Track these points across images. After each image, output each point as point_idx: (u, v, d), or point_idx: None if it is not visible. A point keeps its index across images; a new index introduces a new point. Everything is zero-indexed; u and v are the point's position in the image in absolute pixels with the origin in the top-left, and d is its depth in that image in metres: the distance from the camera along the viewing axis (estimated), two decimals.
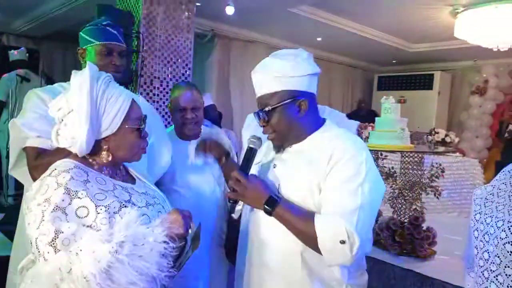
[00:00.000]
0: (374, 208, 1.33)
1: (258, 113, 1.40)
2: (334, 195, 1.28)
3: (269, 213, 1.32)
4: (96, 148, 1.21)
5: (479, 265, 1.29)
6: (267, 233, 1.40)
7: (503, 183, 1.28)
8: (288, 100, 1.35)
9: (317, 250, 1.27)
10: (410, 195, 3.38)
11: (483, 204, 1.31)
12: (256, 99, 1.43)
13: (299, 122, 1.38)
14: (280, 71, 1.35)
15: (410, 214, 3.34)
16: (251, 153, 1.43)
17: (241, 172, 1.38)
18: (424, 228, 3.30)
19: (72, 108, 1.16)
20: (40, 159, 1.55)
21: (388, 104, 4.45)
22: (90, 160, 1.22)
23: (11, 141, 1.70)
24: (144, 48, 3.81)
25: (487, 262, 1.24)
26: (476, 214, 1.34)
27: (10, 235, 3.24)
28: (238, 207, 1.52)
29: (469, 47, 5.93)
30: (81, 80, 1.18)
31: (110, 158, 1.22)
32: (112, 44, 1.80)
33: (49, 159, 1.36)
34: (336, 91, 8.79)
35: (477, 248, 1.31)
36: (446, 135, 5.57)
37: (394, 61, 8.78)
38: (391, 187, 3.44)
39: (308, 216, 1.28)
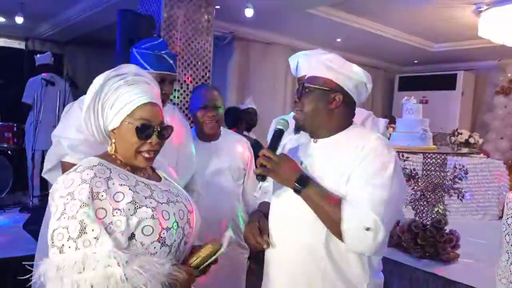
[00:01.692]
0: (400, 205, 1.37)
1: (298, 89, 1.47)
2: (363, 185, 1.28)
3: (298, 191, 1.31)
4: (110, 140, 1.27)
5: (511, 271, 1.26)
6: (291, 223, 1.39)
7: None
8: (326, 89, 1.38)
9: (339, 235, 1.27)
10: (433, 197, 3.32)
11: None
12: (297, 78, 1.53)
13: (326, 114, 1.40)
14: (333, 62, 1.41)
15: (433, 216, 3.28)
16: (279, 134, 1.43)
17: (271, 150, 1.38)
18: (447, 231, 3.24)
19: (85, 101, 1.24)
20: None
21: (409, 105, 4.39)
22: (113, 157, 1.25)
23: (51, 151, 1.75)
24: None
25: None
26: (508, 218, 1.31)
27: (36, 235, 3.33)
28: (266, 183, 1.51)
29: (493, 46, 5.80)
30: (101, 76, 1.24)
31: (113, 150, 1.25)
32: (166, 74, 1.80)
33: None
34: None
35: (508, 253, 1.28)
36: (470, 136, 5.47)
37: (415, 61, 8.66)
38: (412, 189, 3.39)
39: (336, 199, 1.29)
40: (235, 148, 2.31)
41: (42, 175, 1.82)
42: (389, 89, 9.34)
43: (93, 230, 1.06)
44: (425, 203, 3.32)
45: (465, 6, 4.99)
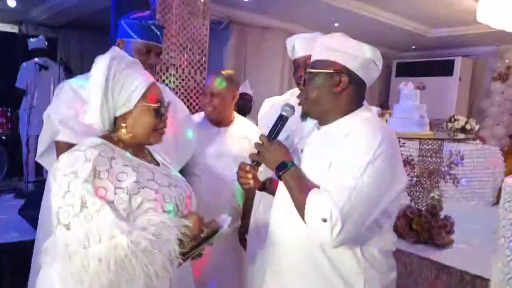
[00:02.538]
0: (373, 197, 1.19)
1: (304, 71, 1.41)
2: (334, 170, 1.21)
3: (278, 176, 1.31)
4: (116, 126, 1.27)
5: (506, 255, 1.26)
6: (288, 217, 1.34)
7: None
8: (330, 71, 1.30)
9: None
10: (428, 183, 3.33)
11: None
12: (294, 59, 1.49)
13: (332, 98, 1.32)
14: (335, 41, 1.34)
15: (428, 202, 3.29)
16: (281, 121, 1.39)
17: (266, 136, 1.38)
18: (442, 216, 3.26)
19: (91, 85, 1.23)
20: None
21: (406, 91, 4.37)
22: (116, 139, 1.27)
23: (43, 132, 1.73)
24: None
25: None
26: (505, 203, 1.31)
27: (31, 220, 3.32)
28: (261, 168, 1.51)
29: (491, 31, 5.76)
30: (101, 60, 1.24)
31: (129, 135, 1.26)
32: (153, 44, 1.83)
33: None
34: None
35: (504, 237, 1.29)
36: (466, 122, 5.46)
37: (413, 47, 8.60)
38: (408, 174, 3.40)
39: (308, 188, 1.23)
40: (245, 135, 2.30)
41: (36, 159, 1.81)
42: (386, 75, 9.30)
43: (93, 203, 1.08)
44: (420, 189, 3.33)
45: None
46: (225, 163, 2.21)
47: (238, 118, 2.40)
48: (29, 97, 5.12)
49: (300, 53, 1.96)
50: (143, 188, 1.18)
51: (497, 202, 5.20)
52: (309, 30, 7.12)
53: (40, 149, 1.76)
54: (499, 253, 1.36)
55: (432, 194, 3.27)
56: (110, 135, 1.28)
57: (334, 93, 1.31)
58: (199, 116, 2.39)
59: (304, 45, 1.93)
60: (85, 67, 7.55)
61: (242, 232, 2.30)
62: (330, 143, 1.28)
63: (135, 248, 1.05)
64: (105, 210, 1.08)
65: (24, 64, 5.27)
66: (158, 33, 1.85)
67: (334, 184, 1.18)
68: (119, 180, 1.15)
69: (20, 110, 5.33)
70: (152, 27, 1.82)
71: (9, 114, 5.55)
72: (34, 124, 5.03)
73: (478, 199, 5.09)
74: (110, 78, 1.20)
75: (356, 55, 1.31)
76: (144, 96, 1.24)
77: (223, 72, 2.29)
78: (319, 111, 1.36)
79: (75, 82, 1.77)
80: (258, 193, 2.22)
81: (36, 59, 5.20)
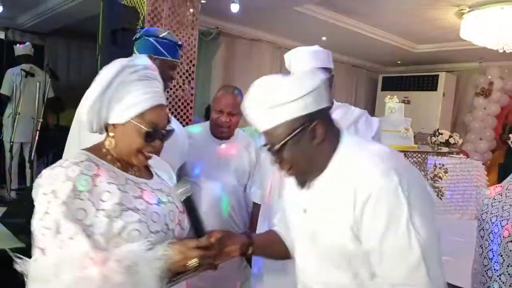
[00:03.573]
0: (435, 236, 1.03)
1: (268, 149, 1.15)
2: (383, 256, 1.01)
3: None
4: (106, 132, 1.21)
5: (483, 264, 1.28)
6: (314, 263, 1.19)
7: (510, 183, 1.27)
8: (298, 130, 1.08)
9: None
10: None
11: (490, 204, 1.30)
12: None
13: (318, 150, 1.12)
14: (276, 100, 1.08)
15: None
16: (190, 206, 1.20)
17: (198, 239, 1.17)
18: None
19: (94, 85, 1.18)
20: None
21: (392, 104, 4.44)
22: (104, 151, 1.20)
23: (73, 135, 1.78)
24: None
25: (491, 261, 1.23)
26: (482, 214, 1.33)
27: (13, 229, 3.25)
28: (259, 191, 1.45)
29: (474, 48, 5.91)
30: (116, 63, 1.18)
31: (113, 147, 1.19)
32: (177, 62, 1.98)
33: None
34: (340, 91, 8.77)
35: (482, 247, 1.31)
36: (450, 136, 5.56)
37: (398, 62, 8.76)
38: None
39: None
40: (244, 149, 2.32)
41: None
42: (372, 88, 9.43)
43: (68, 229, 1.02)
44: None
45: (448, 8, 5.06)
46: (226, 175, 2.24)
47: (237, 130, 2.40)
48: (14, 104, 5.05)
49: (297, 68, 1.95)
50: (127, 210, 1.10)
51: None
52: (297, 43, 7.19)
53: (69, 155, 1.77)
54: (476, 262, 1.39)
55: None
56: (100, 146, 1.21)
57: (317, 144, 1.11)
58: (201, 127, 2.37)
59: (302, 59, 1.93)
60: (71, 74, 7.51)
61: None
62: (338, 203, 1.07)
63: (105, 282, 0.99)
64: (79, 237, 1.02)
65: (9, 70, 5.21)
66: (179, 50, 2.00)
67: (396, 268, 1.01)
68: (102, 200, 1.08)
69: (4, 116, 5.25)
70: (177, 46, 1.97)
71: None
72: (19, 131, 4.96)
73: (462, 212, 5.16)
74: (113, 83, 1.14)
75: (302, 95, 1.07)
76: (141, 115, 1.15)
77: (235, 91, 2.25)
78: (315, 169, 1.14)
79: None
80: (262, 209, 2.23)
81: (22, 65, 5.15)
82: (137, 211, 1.12)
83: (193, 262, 1.12)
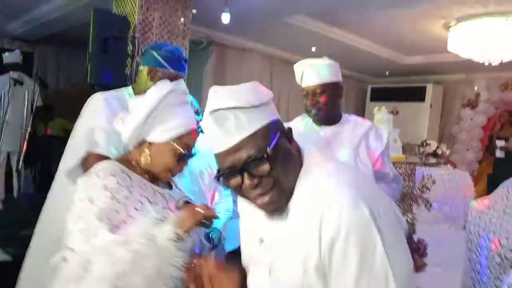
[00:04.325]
0: (409, 266, 0.97)
1: (239, 172, 0.94)
2: None
3: None
4: (140, 147, 1.30)
5: (471, 277, 1.29)
6: None
7: (499, 197, 1.29)
8: (279, 132, 0.96)
9: None
10: (401, 206, 3.39)
11: (478, 217, 1.32)
12: (218, 157, 0.97)
13: (294, 162, 0.99)
14: (252, 100, 0.95)
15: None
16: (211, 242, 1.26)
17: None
18: (415, 239, 3.31)
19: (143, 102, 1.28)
20: None
21: (380, 115, 4.49)
22: (133, 163, 1.31)
23: (79, 145, 1.73)
24: (139, 53, 3.80)
25: (479, 274, 1.24)
26: (470, 226, 1.35)
27: (0, 241, 3.19)
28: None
29: (461, 60, 6.00)
30: (163, 87, 1.29)
31: (147, 163, 1.29)
32: (181, 74, 1.97)
33: None
34: None
35: (470, 260, 1.32)
36: (438, 147, 5.62)
37: (387, 73, 8.87)
38: None
39: None
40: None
41: (65, 176, 1.75)
42: (361, 99, 9.52)
43: (95, 227, 1.12)
44: None
45: (435, 20, 5.15)
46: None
47: None
48: (1, 112, 4.99)
49: (309, 82, 1.96)
50: (158, 221, 1.20)
51: None
52: (288, 54, 7.28)
53: (71, 162, 1.74)
54: (465, 274, 1.40)
55: (405, 218, 3.32)
56: (128, 157, 1.31)
57: (293, 154, 1.00)
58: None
59: (319, 73, 1.94)
60: (61, 82, 7.44)
61: None
62: (299, 234, 0.93)
63: (134, 259, 1.08)
64: (103, 231, 1.12)
65: None
66: (185, 64, 2.02)
67: None
68: (135, 209, 1.19)
69: None
70: (182, 59, 1.99)
71: None
72: (6, 140, 4.89)
73: (451, 223, 5.19)
74: (159, 106, 1.25)
75: (266, 100, 0.98)
76: (179, 138, 1.27)
77: None
78: (290, 189, 0.98)
79: (109, 97, 1.82)
80: None
81: (10, 73, 5.10)
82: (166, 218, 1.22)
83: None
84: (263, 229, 1.03)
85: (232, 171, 0.94)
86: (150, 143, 1.28)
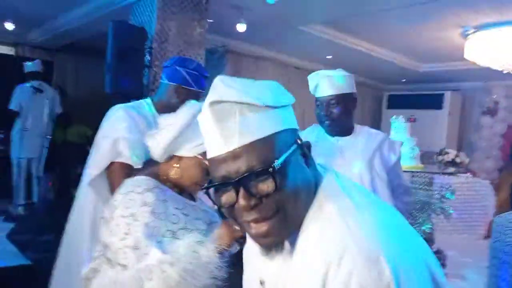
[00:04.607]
0: None
1: (234, 187, 0.72)
2: None
3: None
4: (168, 161, 1.36)
5: None
6: None
7: None
8: (294, 146, 0.75)
9: None
10: (420, 215, 3.34)
11: (503, 232, 1.29)
12: (212, 164, 0.75)
13: (307, 184, 0.76)
14: (269, 99, 0.74)
15: (420, 235, 3.30)
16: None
17: None
18: (434, 249, 3.26)
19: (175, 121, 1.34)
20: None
21: (397, 124, 4.45)
22: (163, 178, 1.36)
23: (102, 155, 1.76)
24: (156, 63, 3.85)
25: None
26: (495, 242, 1.32)
27: (20, 245, 3.25)
28: None
29: (479, 68, 5.93)
30: (196, 105, 1.36)
31: (177, 177, 1.35)
32: (202, 92, 2.01)
33: None
34: None
35: (494, 277, 1.29)
36: (456, 156, 5.54)
37: (403, 80, 8.79)
38: None
39: None
40: None
41: (87, 184, 1.79)
42: (377, 107, 9.45)
43: (146, 246, 1.18)
44: (412, 221, 3.34)
45: (452, 29, 5.10)
46: None
47: None
48: (22, 120, 5.11)
49: (324, 92, 1.96)
50: (190, 232, 1.26)
51: (488, 236, 5.21)
52: (303, 62, 7.29)
53: (95, 172, 1.78)
54: None
55: (424, 227, 3.28)
56: (156, 172, 1.36)
57: (307, 175, 0.78)
58: None
59: (328, 84, 1.95)
60: (80, 91, 7.58)
61: None
62: (304, 277, 0.73)
63: (183, 274, 1.15)
64: (154, 250, 1.18)
65: (18, 86, 5.28)
66: (205, 80, 2.07)
67: None
68: (172, 223, 1.25)
69: (13, 132, 5.29)
70: (204, 77, 2.03)
71: (1, 135, 5.52)
72: (26, 147, 5.00)
73: (470, 232, 5.10)
74: (192, 123, 1.30)
75: (287, 102, 0.79)
76: (206, 154, 1.32)
77: None
78: (297, 221, 0.76)
79: (129, 109, 1.86)
80: None
81: (31, 82, 5.22)
82: (200, 229, 1.30)
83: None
84: (264, 268, 0.84)
85: (226, 184, 0.72)
86: (179, 158, 1.35)
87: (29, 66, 5.37)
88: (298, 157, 0.76)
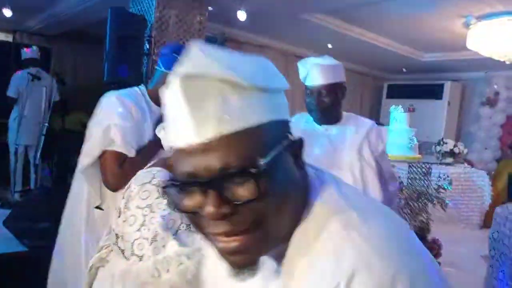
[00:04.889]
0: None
1: (202, 188, 0.56)
2: None
3: None
4: None
5: (492, 285, 1.28)
6: None
7: None
8: (285, 143, 0.59)
9: None
10: (416, 205, 3.36)
11: (503, 224, 1.29)
12: (183, 154, 0.57)
13: (296, 191, 0.62)
14: (249, 76, 0.57)
15: (416, 224, 3.32)
16: None
17: None
18: (430, 239, 3.28)
19: None
20: (124, 168, 1.63)
21: (397, 114, 4.44)
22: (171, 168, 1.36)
23: (94, 143, 1.72)
24: (155, 51, 3.83)
25: (502, 282, 1.23)
26: (494, 233, 1.32)
27: (16, 232, 3.27)
28: None
29: (480, 58, 5.90)
30: None
31: None
32: None
33: (133, 170, 1.39)
34: (346, 98, 8.76)
35: (492, 267, 1.30)
36: (455, 146, 5.55)
37: (404, 70, 8.76)
38: (397, 197, 3.43)
39: None
40: None
41: (80, 172, 1.76)
42: (377, 96, 9.43)
43: (163, 238, 1.18)
44: (409, 211, 3.36)
45: (455, 18, 5.06)
46: None
47: None
48: (20, 107, 5.09)
49: (316, 81, 1.94)
50: None
51: (484, 226, 5.25)
52: (303, 50, 7.25)
53: (87, 160, 1.74)
54: (487, 281, 1.38)
55: (420, 217, 3.29)
56: (164, 163, 1.34)
57: (297, 177, 0.62)
58: None
59: (319, 73, 1.93)
60: (78, 78, 7.54)
61: None
62: None
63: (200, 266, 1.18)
64: (172, 242, 1.18)
65: (16, 73, 5.25)
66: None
67: None
68: None
69: (10, 119, 5.29)
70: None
71: None
72: (24, 134, 4.99)
73: (466, 223, 5.13)
74: None
75: (281, 85, 0.64)
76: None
77: None
78: (281, 234, 0.62)
79: (122, 96, 1.80)
80: None
81: (29, 69, 5.19)
82: None
83: None
84: None
85: (193, 183, 0.56)
86: None
87: (26, 53, 5.34)
88: (288, 156, 0.60)
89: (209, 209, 0.55)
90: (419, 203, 3.41)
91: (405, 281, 0.54)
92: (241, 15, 4.92)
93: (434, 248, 3.20)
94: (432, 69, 8.07)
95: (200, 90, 0.55)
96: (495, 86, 7.84)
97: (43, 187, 4.82)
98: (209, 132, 0.54)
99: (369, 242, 0.57)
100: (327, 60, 1.97)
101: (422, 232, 3.21)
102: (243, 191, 0.55)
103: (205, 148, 0.55)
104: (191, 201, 0.57)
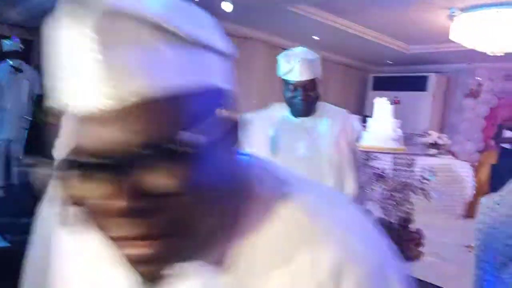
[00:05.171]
0: None
1: (98, 171, 0.38)
2: None
3: None
4: None
5: (476, 274, 1.30)
6: None
7: (509, 193, 1.27)
8: (219, 117, 0.45)
9: None
10: (400, 196, 3.40)
11: (487, 214, 1.30)
12: (83, 122, 0.40)
13: (230, 181, 0.47)
14: (190, 26, 0.43)
15: (399, 215, 3.36)
16: None
17: None
18: (413, 229, 3.33)
19: None
20: None
21: (381, 105, 4.48)
22: None
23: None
24: None
25: (485, 273, 1.24)
26: (479, 224, 1.34)
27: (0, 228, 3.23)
28: None
29: (464, 50, 5.96)
30: None
31: None
32: None
33: None
34: (331, 90, 8.81)
35: (477, 257, 1.32)
36: (438, 137, 5.62)
37: (389, 62, 8.82)
38: (382, 188, 3.46)
39: None
40: None
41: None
42: (362, 88, 9.48)
43: None
44: (393, 202, 3.40)
45: (439, 10, 5.09)
46: None
47: None
48: (1, 100, 5.00)
49: (302, 76, 1.90)
50: None
51: (466, 216, 5.34)
52: (289, 42, 7.22)
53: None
54: (472, 270, 1.40)
55: (403, 207, 3.34)
56: None
57: (230, 161, 0.49)
58: None
59: (306, 68, 1.90)
60: None
61: None
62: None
63: None
64: None
65: None
66: None
67: None
68: None
69: None
70: None
71: None
72: (6, 128, 4.90)
73: (449, 213, 5.21)
74: None
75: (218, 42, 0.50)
76: None
77: None
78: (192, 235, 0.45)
79: None
80: None
81: (10, 61, 5.09)
82: None
83: None
84: None
85: (87, 164, 0.39)
86: None
87: (7, 44, 5.22)
88: (224, 137, 0.44)
89: (112, 203, 0.38)
90: (403, 194, 3.45)
91: (394, 267, 0.50)
92: (226, 7, 4.88)
93: (416, 237, 3.25)
94: (417, 61, 8.13)
95: (119, 34, 0.38)
96: (478, 78, 7.94)
97: (26, 182, 4.75)
98: (128, 92, 0.38)
99: (348, 230, 0.49)
100: (311, 54, 1.96)
101: (405, 223, 3.26)
102: (160, 178, 0.38)
103: (111, 116, 0.38)
104: (84, 189, 0.39)
